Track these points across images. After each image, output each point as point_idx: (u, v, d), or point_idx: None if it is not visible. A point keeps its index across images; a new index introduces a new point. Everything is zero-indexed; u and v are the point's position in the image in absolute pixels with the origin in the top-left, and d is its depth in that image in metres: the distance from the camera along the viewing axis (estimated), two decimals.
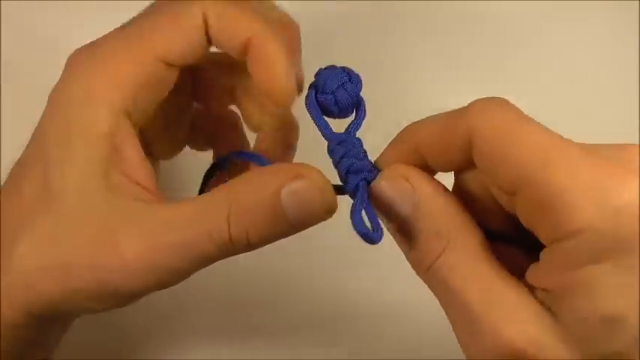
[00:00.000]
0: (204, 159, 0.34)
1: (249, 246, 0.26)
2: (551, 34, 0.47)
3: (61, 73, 0.28)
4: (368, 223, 0.24)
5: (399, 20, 0.48)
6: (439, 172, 0.26)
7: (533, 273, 0.23)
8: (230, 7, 0.29)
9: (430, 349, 0.39)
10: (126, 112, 0.28)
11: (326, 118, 0.28)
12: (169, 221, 0.26)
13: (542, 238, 0.23)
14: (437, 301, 0.25)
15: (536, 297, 0.23)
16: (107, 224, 0.26)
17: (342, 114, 0.28)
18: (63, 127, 0.27)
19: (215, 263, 0.26)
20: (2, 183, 0.29)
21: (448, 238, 0.24)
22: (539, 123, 0.23)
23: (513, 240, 0.26)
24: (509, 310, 0.22)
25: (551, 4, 0.48)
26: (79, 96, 0.27)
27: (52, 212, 0.26)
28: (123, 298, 0.27)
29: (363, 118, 0.28)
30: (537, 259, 0.23)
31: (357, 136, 0.27)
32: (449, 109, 0.25)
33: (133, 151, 0.28)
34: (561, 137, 0.22)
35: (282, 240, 0.27)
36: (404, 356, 0.39)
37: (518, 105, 0.24)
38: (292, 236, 0.26)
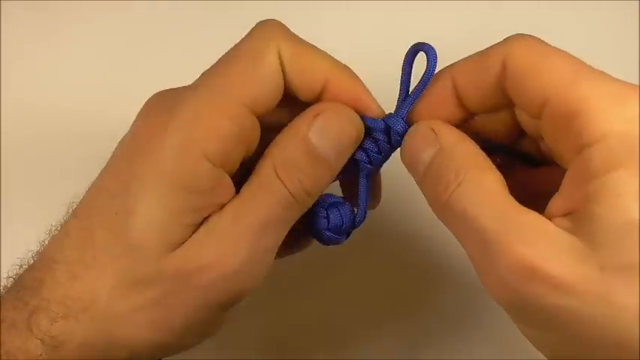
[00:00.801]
0: None
1: (310, 195, 0.28)
2: (550, 34, 0.47)
3: None
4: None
5: None
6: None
7: (555, 201, 0.24)
8: (303, 47, 0.28)
9: None
10: (224, 167, 0.27)
11: None
12: (237, 211, 0.26)
13: (567, 154, 0.24)
14: None
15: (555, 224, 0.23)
16: (190, 249, 0.26)
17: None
18: (156, 177, 0.25)
19: None
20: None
21: (465, 174, 0.25)
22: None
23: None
24: (521, 230, 0.23)
25: (550, 3, 0.48)
26: (176, 147, 0.25)
27: (131, 259, 0.25)
28: (225, 309, 0.27)
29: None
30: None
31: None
32: None
33: (229, 197, 0.27)
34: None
35: None
36: None
37: None
38: None
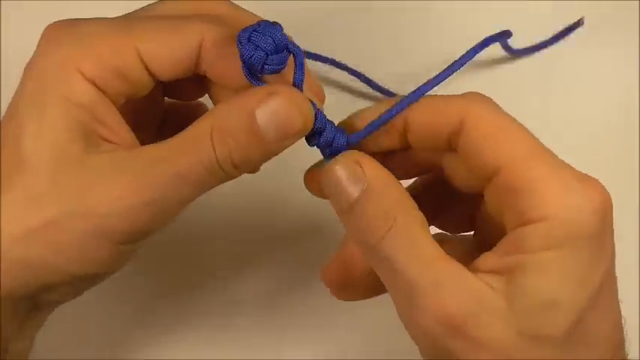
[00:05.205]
0: None
1: (236, 168, 0.27)
2: (552, 33, 0.47)
3: None
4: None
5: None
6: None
7: (486, 259, 0.25)
8: (230, 39, 0.27)
9: None
10: (101, 89, 0.27)
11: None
12: (157, 155, 0.26)
13: (508, 221, 0.25)
14: None
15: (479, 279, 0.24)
16: (91, 175, 0.26)
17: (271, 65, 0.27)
18: (38, 94, 0.26)
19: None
20: None
21: (395, 218, 0.25)
22: None
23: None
24: (449, 286, 0.24)
25: (552, 4, 0.48)
26: (55, 64, 0.27)
27: (25, 175, 0.26)
28: (121, 243, 0.27)
29: (303, 71, 0.27)
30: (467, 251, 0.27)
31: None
32: None
33: (113, 119, 0.27)
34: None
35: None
36: None
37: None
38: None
